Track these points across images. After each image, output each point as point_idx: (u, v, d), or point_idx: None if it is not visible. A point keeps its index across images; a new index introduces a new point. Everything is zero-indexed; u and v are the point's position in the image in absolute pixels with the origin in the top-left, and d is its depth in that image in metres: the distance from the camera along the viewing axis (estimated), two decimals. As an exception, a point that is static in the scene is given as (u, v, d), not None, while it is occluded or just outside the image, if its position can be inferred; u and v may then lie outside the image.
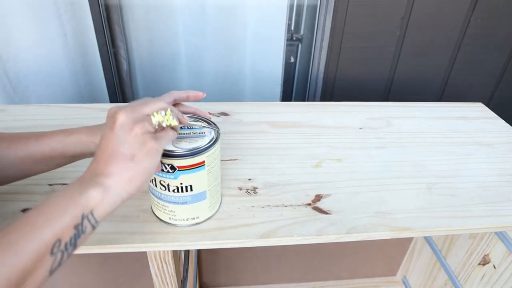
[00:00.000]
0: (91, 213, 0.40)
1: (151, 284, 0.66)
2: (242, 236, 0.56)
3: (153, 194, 0.55)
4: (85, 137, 0.52)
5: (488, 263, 0.90)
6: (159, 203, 0.55)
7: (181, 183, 0.52)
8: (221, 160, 0.62)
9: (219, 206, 0.61)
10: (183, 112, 0.55)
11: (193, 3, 1.09)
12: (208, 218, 0.59)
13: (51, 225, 0.37)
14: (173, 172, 0.50)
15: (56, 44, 1.08)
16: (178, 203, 0.54)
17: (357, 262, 1.30)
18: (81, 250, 0.53)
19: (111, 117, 0.44)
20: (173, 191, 0.52)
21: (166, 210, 0.55)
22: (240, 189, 0.64)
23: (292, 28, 1.21)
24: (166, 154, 0.50)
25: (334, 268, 1.30)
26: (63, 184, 0.61)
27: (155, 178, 0.52)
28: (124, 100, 1.21)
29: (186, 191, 0.52)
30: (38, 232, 0.37)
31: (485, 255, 0.91)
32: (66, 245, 0.38)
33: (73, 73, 1.13)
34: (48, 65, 1.11)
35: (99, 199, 0.41)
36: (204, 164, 0.52)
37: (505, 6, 1.10)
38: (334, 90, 1.18)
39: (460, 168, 0.73)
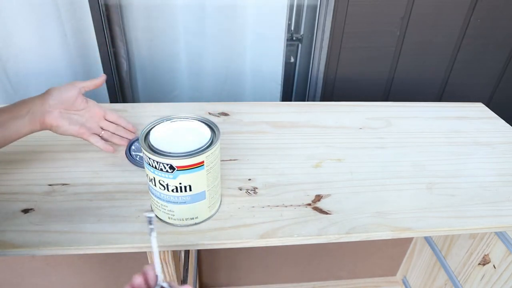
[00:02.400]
0: None
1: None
2: (242, 236, 0.56)
3: (152, 193, 0.55)
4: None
5: (488, 263, 0.90)
6: (159, 203, 0.55)
7: (180, 183, 0.52)
8: (221, 160, 0.62)
9: (219, 206, 0.61)
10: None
11: (193, 3, 1.09)
12: (208, 218, 0.59)
13: None
14: (172, 172, 0.50)
15: (56, 44, 1.08)
16: (177, 203, 0.54)
17: (357, 262, 1.30)
18: (81, 250, 0.53)
19: None
20: (172, 190, 0.52)
21: (165, 209, 0.55)
22: (240, 189, 0.64)
23: (292, 28, 1.21)
24: (165, 154, 0.50)
25: (334, 268, 1.30)
26: (63, 185, 0.61)
27: (154, 178, 0.52)
28: (124, 100, 1.21)
29: (185, 191, 0.52)
30: None
31: (485, 255, 0.91)
32: None
33: (73, 73, 1.13)
34: (48, 65, 1.11)
35: None
36: (203, 164, 0.52)
37: (505, 6, 1.10)
38: (334, 90, 1.18)
39: (460, 168, 0.73)
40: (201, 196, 0.55)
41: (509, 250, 0.82)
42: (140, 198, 0.59)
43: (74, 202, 0.58)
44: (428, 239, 1.15)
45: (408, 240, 1.26)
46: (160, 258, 0.61)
